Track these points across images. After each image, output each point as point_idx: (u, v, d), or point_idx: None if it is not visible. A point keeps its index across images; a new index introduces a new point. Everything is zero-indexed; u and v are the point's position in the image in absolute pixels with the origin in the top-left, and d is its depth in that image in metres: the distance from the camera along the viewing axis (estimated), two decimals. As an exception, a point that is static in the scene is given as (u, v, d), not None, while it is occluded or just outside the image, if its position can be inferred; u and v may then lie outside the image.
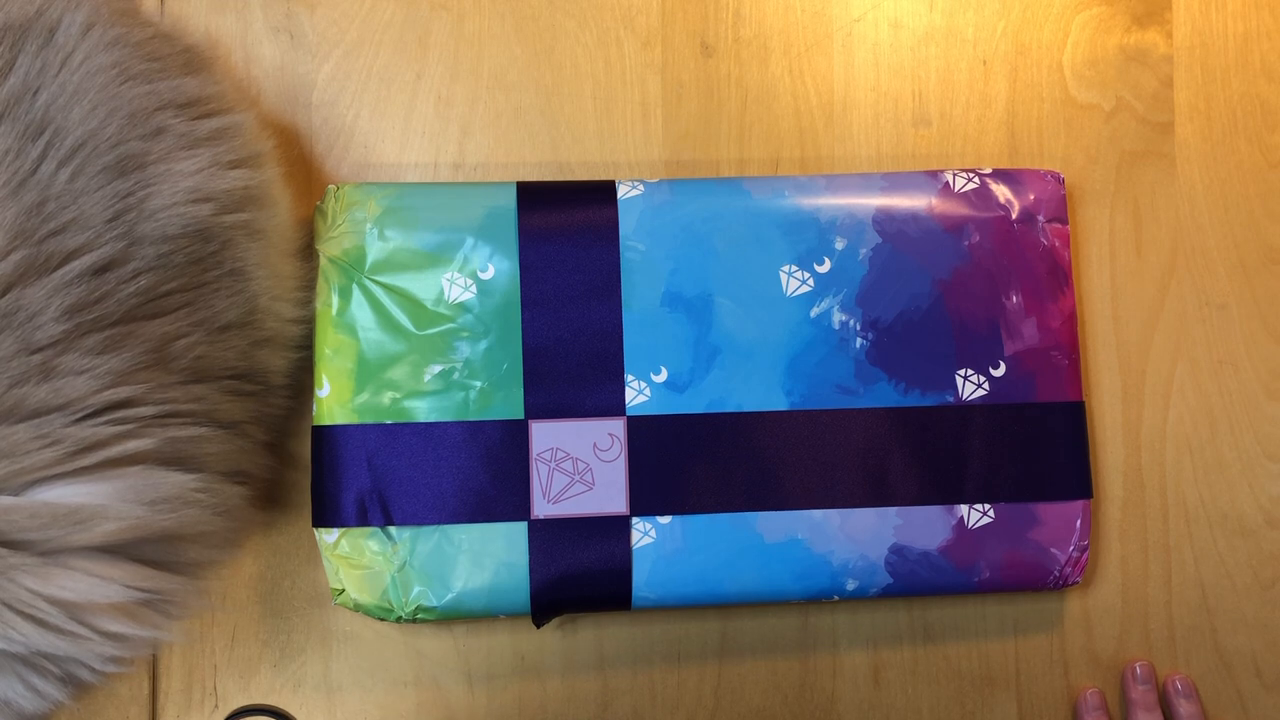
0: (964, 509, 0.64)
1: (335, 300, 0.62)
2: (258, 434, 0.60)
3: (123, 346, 0.51)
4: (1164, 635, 0.69)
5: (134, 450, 0.50)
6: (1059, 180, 0.67)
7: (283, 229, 0.60)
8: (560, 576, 0.62)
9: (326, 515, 0.61)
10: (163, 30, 0.57)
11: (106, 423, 0.50)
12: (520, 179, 0.68)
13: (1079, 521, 0.64)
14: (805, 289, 0.64)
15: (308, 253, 0.64)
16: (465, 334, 0.62)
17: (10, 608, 0.46)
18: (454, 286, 0.63)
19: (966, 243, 0.65)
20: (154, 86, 0.53)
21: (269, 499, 0.65)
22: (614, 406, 0.63)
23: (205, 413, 0.54)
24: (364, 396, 0.62)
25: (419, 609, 0.61)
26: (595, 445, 0.63)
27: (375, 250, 0.62)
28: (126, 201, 0.51)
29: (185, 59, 0.57)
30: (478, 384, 0.62)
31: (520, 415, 0.62)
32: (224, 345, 0.56)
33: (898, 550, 0.63)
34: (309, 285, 0.63)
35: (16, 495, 0.48)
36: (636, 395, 0.63)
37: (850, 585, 0.63)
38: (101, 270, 0.50)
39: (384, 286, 0.62)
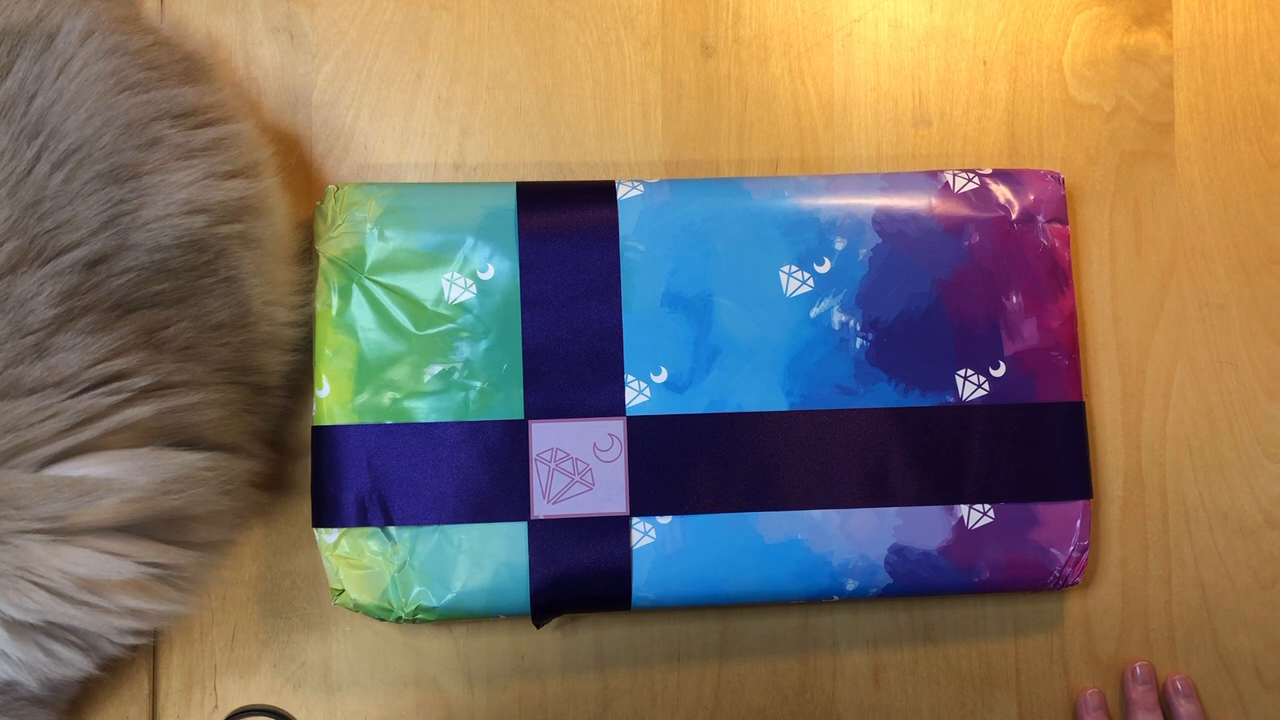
0: (964, 509, 0.64)
1: (335, 301, 0.62)
2: (256, 420, 0.61)
3: (114, 328, 0.51)
4: (1164, 635, 0.69)
5: (132, 419, 0.51)
6: (1059, 180, 0.67)
7: (280, 236, 0.61)
8: (560, 576, 0.62)
9: (326, 515, 0.62)
10: (163, 37, 0.57)
11: (103, 394, 0.51)
12: (520, 179, 0.68)
13: (1079, 522, 0.64)
14: (805, 289, 0.64)
15: (305, 257, 0.64)
16: (465, 334, 0.62)
17: (24, 577, 0.48)
18: (454, 287, 0.63)
19: (966, 243, 0.65)
20: (151, 96, 0.54)
21: (269, 487, 0.65)
22: (614, 407, 0.63)
23: (201, 383, 0.55)
24: (364, 397, 0.62)
25: (419, 609, 0.61)
26: (595, 445, 0.63)
27: (375, 250, 0.62)
28: (120, 208, 0.52)
29: (184, 67, 0.57)
30: (478, 384, 0.62)
31: (520, 415, 0.62)
32: (217, 341, 0.56)
33: (898, 550, 0.63)
34: (306, 289, 0.64)
35: (25, 471, 0.49)
36: (636, 395, 0.63)
37: (850, 585, 0.63)
38: (94, 264, 0.51)
39: (384, 287, 0.62)
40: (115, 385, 0.51)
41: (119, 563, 0.50)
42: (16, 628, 0.49)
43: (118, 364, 0.51)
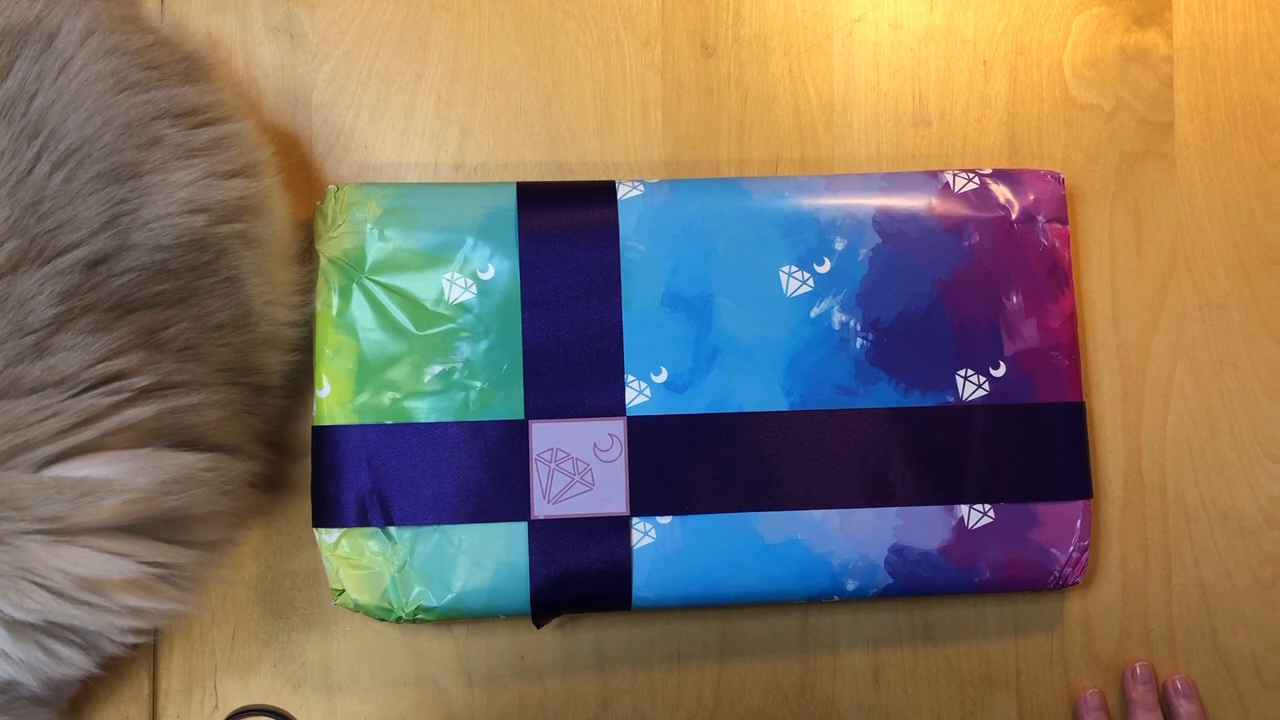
0: (964, 509, 0.64)
1: (335, 301, 0.62)
2: (256, 421, 0.61)
3: (114, 328, 0.51)
4: (1164, 635, 0.69)
5: (133, 419, 0.51)
6: (1059, 180, 0.67)
7: (280, 236, 0.61)
8: (560, 576, 0.62)
9: (326, 515, 0.62)
10: (163, 37, 0.57)
11: (103, 394, 0.51)
12: (520, 179, 0.68)
13: (1079, 522, 0.64)
14: (805, 289, 0.64)
15: (305, 257, 0.64)
16: (465, 334, 0.62)
17: (25, 577, 0.48)
18: (454, 287, 0.63)
19: (966, 243, 0.65)
20: (151, 95, 0.54)
21: (269, 487, 0.65)
22: (614, 407, 0.63)
23: (201, 384, 0.55)
24: (364, 397, 0.62)
25: (419, 609, 0.61)
26: (595, 445, 0.63)
27: (375, 250, 0.62)
28: (120, 208, 0.52)
29: (185, 67, 0.57)
30: (478, 384, 0.62)
31: (520, 415, 0.62)
32: (217, 341, 0.56)
33: (898, 550, 0.63)
34: (306, 289, 0.64)
35: (24, 472, 0.49)
36: (636, 395, 0.63)
37: (850, 585, 0.63)
38: (94, 263, 0.51)
39: (384, 287, 0.62)
40: (115, 385, 0.51)
41: (119, 562, 0.50)
42: (17, 627, 0.49)
43: (118, 364, 0.51)
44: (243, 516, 0.61)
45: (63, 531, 0.49)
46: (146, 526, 0.52)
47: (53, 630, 0.51)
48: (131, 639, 0.53)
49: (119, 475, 0.50)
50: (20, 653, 0.50)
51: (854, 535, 0.63)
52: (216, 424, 0.56)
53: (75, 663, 0.52)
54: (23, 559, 0.48)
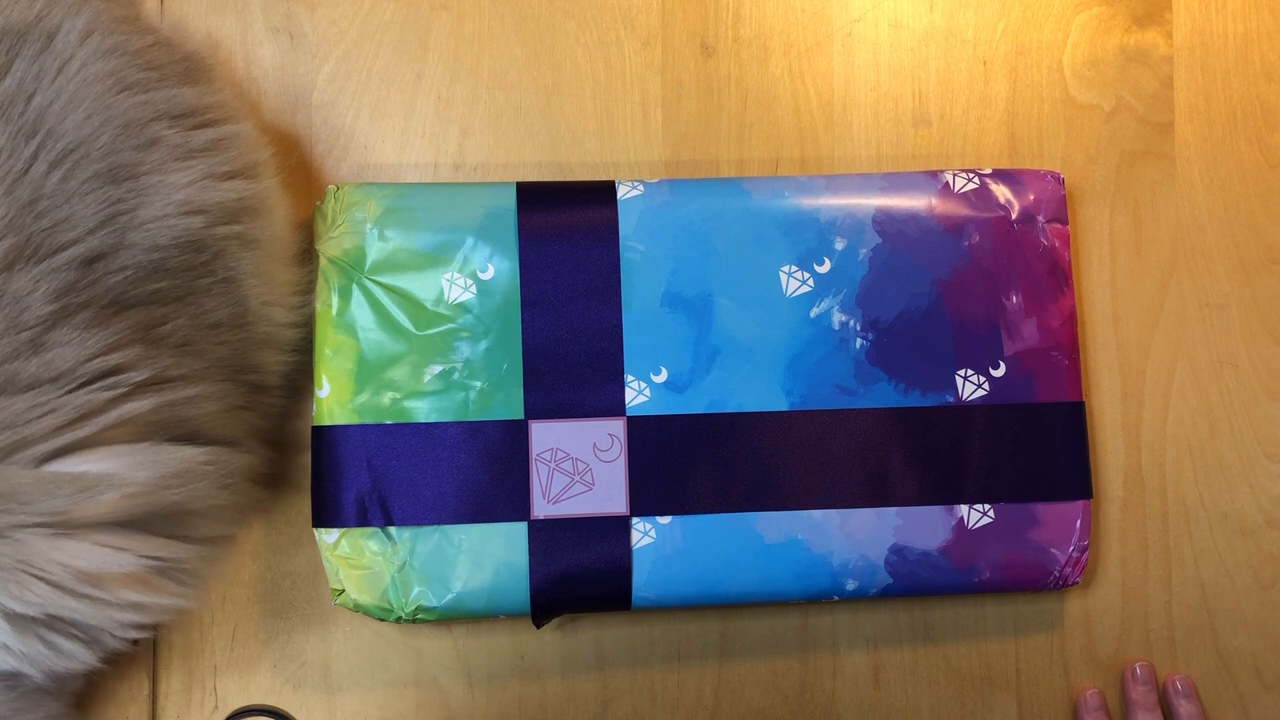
0: (964, 509, 0.64)
1: (335, 300, 0.62)
2: (254, 417, 0.61)
3: (110, 324, 0.52)
4: (1164, 635, 0.69)
5: (131, 413, 0.51)
6: (1059, 180, 0.67)
7: (279, 237, 0.61)
8: (560, 576, 0.62)
9: (326, 515, 0.62)
10: (163, 38, 0.57)
11: (100, 388, 0.51)
12: (520, 179, 0.68)
13: (1079, 522, 0.64)
14: (805, 289, 0.64)
15: (305, 258, 0.64)
16: (465, 334, 0.62)
17: (25, 570, 0.48)
18: (454, 287, 0.63)
19: (966, 243, 0.65)
20: (150, 96, 0.54)
21: (268, 484, 0.65)
22: (614, 407, 0.63)
23: (198, 377, 0.55)
24: (364, 397, 0.62)
25: (419, 609, 0.61)
26: (595, 445, 0.63)
27: (375, 250, 0.62)
28: (117, 208, 0.52)
29: (184, 67, 0.57)
30: (478, 384, 0.62)
31: (520, 415, 0.62)
32: (214, 339, 0.56)
33: (898, 550, 0.63)
34: (305, 290, 0.64)
35: (24, 468, 0.49)
36: (636, 395, 0.63)
37: (850, 585, 0.63)
38: (90, 261, 0.51)
39: (384, 287, 0.62)
40: (112, 380, 0.51)
41: (119, 556, 0.50)
42: (18, 620, 0.49)
43: (114, 358, 0.51)
44: (243, 512, 0.61)
45: (63, 526, 0.49)
46: (146, 521, 0.52)
47: (53, 624, 0.51)
48: (133, 633, 0.53)
49: (118, 470, 0.50)
50: (22, 646, 0.50)
51: (854, 535, 0.63)
52: (215, 417, 0.56)
53: (77, 656, 0.52)
54: (23, 552, 0.48)
